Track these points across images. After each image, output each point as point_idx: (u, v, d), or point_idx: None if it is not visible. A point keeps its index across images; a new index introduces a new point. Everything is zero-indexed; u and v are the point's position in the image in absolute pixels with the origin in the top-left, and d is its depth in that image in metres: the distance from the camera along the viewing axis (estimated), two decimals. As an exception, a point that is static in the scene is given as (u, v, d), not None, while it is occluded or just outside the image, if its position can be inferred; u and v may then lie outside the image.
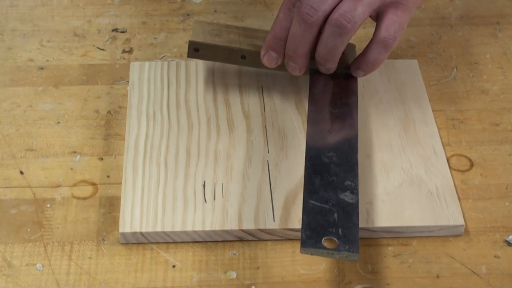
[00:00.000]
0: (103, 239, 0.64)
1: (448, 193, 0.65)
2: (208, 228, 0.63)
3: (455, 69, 0.78)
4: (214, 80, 0.75)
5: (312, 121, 0.68)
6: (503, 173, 0.69)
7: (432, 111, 0.74)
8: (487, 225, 0.65)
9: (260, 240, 0.64)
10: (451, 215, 0.64)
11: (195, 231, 0.63)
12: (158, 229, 0.63)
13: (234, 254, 0.63)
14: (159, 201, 0.65)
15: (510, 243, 0.64)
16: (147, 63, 0.77)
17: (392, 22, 0.66)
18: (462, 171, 0.69)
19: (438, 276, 0.62)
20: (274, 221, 0.63)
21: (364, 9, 0.65)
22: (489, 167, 0.70)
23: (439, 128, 0.72)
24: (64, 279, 0.61)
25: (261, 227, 0.63)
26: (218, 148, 0.69)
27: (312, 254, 0.57)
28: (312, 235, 0.58)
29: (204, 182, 0.66)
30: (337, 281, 0.61)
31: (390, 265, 0.62)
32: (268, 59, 0.70)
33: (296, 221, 0.63)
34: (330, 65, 0.69)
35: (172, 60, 0.77)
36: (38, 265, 0.62)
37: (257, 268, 0.62)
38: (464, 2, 0.85)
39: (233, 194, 0.65)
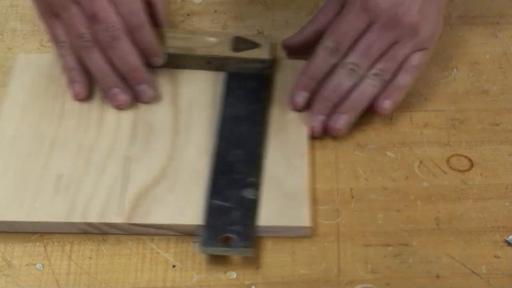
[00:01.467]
0: (103, 239, 0.64)
1: (302, 194, 0.65)
2: (53, 219, 0.63)
3: (455, 69, 0.78)
4: None
5: (225, 118, 0.70)
6: (503, 173, 0.69)
7: (432, 111, 0.74)
8: (487, 225, 0.65)
9: (108, 234, 0.64)
10: (298, 216, 0.64)
11: (40, 222, 0.63)
12: (2, 218, 0.63)
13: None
14: (9, 191, 0.65)
15: (510, 243, 0.64)
16: (33, 55, 0.76)
17: (416, 57, 0.71)
18: (462, 171, 0.69)
19: (438, 276, 0.62)
20: (120, 215, 0.63)
21: (396, 66, 0.70)
22: (489, 167, 0.70)
23: (439, 128, 0.72)
24: (64, 279, 0.61)
25: (106, 221, 0.63)
26: (83, 140, 0.69)
27: (211, 253, 0.61)
28: (211, 234, 0.62)
29: (61, 174, 0.66)
30: (337, 281, 0.61)
31: (390, 265, 0.62)
32: (300, 98, 0.71)
33: (143, 217, 0.63)
34: (359, 111, 0.71)
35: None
36: (38, 265, 0.62)
37: (257, 268, 0.62)
38: (464, 2, 0.85)
39: (86, 187, 0.65)
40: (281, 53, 0.77)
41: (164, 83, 0.74)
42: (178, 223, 0.63)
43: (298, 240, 0.64)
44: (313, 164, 0.69)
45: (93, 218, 0.63)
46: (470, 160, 0.70)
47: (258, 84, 0.73)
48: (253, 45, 0.75)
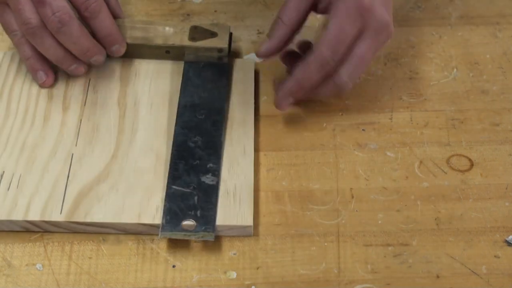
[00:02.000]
0: (103, 239, 0.64)
1: (246, 193, 0.65)
2: None
3: (455, 69, 0.78)
4: None
5: (182, 106, 0.70)
6: (503, 173, 0.69)
7: (432, 111, 0.74)
8: (487, 225, 0.65)
9: (49, 232, 0.64)
10: (241, 215, 0.64)
11: None
12: None
13: (234, 254, 0.63)
14: None
15: (510, 243, 0.64)
16: None
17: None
18: (462, 171, 0.69)
19: (438, 276, 0.62)
20: (60, 213, 0.63)
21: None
22: (489, 167, 0.70)
23: (439, 128, 0.72)
24: (64, 279, 0.61)
25: (46, 219, 0.63)
26: (27, 139, 0.68)
27: (171, 237, 0.62)
28: (171, 219, 0.62)
29: (3, 172, 0.66)
30: (337, 281, 0.61)
31: (390, 265, 0.62)
32: (286, 104, 0.70)
33: (82, 215, 0.63)
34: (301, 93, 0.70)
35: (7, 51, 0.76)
36: (38, 265, 0.62)
37: (257, 268, 0.62)
38: (464, 2, 0.85)
39: (28, 185, 0.65)
40: (238, 43, 0.78)
41: (112, 82, 0.74)
42: (118, 222, 0.63)
43: (298, 240, 0.64)
44: (308, 164, 0.69)
45: (34, 216, 0.63)
46: (470, 160, 0.70)
47: (216, 73, 0.74)
48: (211, 34, 0.75)
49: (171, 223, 0.62)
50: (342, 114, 0.73)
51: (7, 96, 0.72)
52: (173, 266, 0.62)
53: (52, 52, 0.70)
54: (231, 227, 0.63)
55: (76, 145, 0.68)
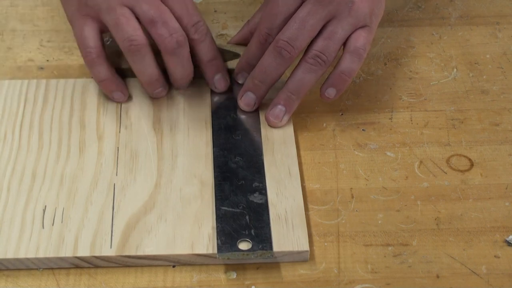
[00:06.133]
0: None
1: (297, 217, 0.64)
2: (41, 255, 0.61)
3: (455, 69, 0.78)
4: (73, 99, 0.72)
5: (217, 129, 0.70)
6: (503, 173, 0.69)
7: (432, 111, 0.74)
8: (487, 225, 0.65)
9: (99, 267, 0.62)
10: (296, 240, 0.62)
11: (28, 258, 0.60)
12: None
13: (234, 254, 0.63)
14: None
15: (510, 243, 0.64)
16: (6, 82, 0.74)
17: (361, 36, 0.68)
18: (462, 171, 0.69)
19: (438, 276, 0.62)
20: (111, 247, 0.61)
21: (336, 46, 0.68)
22: (489, 167, 0.70)
23: (439, 128, 0.72)
24: (64, 279, 0.61)
25: (97, 254, 0.61)
26: (65, 170, 0.66)
27: (229, 259, 0.61)
28: (226, 240, 0.61)
29: (45, 206, 0.64)
30: (337, 281, 0.61)
31: (390, 265, 0.62)
32: (241, 77, 0.72)
33: (134, 248, 0.61)
34: (296, 101, 0.70)
35: (32, 79, 0.75)
36: (38, 265, 0.62)
37: (257, 268, 0.62)
38: (464, 2, 0.85)
39: (73, 219, 0.63)
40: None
41: (145, 106, 0.72)
42: (172, 253, 0.61)
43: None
44: (308, 164, 0.69)
45: (84, 252, 0.61)
46: (470, 160, 0.70)
47: None
48: (233, 55, 0.75)
49: (226, 243, 0.61)
50: (342, 114, 0.73)
51: (37, 126, 0.70)
52: (173, 266, 0.62)
53: (149, 72, 0.70)
54: (286, 253, 0.62)
55: (116, 175, 0.66)
